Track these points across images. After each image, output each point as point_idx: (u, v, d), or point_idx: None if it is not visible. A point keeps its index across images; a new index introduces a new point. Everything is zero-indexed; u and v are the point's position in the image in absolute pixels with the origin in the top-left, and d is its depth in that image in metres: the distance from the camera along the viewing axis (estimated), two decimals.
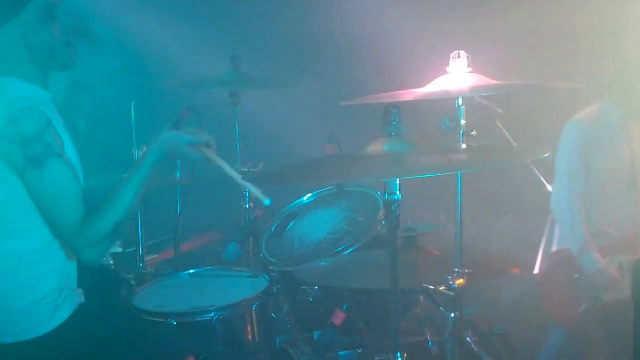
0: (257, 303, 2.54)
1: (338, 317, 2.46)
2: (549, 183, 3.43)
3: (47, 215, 2.03)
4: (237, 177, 2.09)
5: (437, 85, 2.15)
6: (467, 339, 2.47)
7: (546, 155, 2.03)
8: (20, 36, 2.06)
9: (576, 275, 3.15)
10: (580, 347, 3.14)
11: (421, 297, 2.66)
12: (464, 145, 2.08)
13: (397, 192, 1.83)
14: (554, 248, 3.37)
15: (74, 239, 2.03)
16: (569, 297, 3.19)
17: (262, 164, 3.34)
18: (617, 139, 3.18)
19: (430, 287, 2.07)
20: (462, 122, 2.09)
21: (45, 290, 2.08)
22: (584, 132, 3.21)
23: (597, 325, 3.02)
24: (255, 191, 2.07)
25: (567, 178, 3.18)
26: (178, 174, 3.31)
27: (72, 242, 2.05)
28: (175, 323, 2.40)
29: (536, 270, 3.44)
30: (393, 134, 1.89)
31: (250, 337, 2.53)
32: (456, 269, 2.06)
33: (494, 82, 2.15)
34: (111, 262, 3.16)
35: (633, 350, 2.34)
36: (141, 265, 3.09)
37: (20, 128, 1.92)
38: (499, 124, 2.79)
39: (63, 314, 2.12)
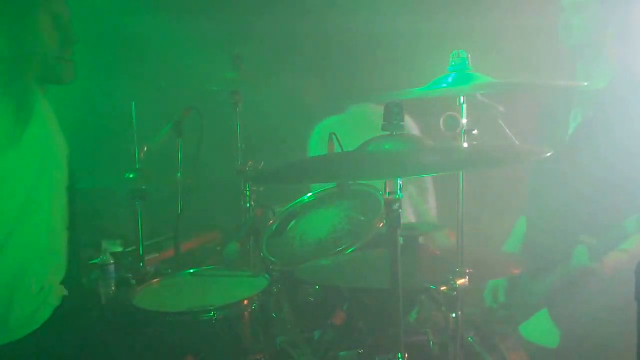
0: (257, 303, 2.53)
1: (339, 317, 2.45)
2: None
3: None
4: None
5: (438, 84, 2.14)
6: (469, 339, 2.46)
7: (549, 154, 2.02)
8: None
9: None
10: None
11: (422, 297, 2.64)
12: (465, 144, 2.07)
13: (399, 192, 1.82)
14: None
15: None
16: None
17: (262, 163, 3.33)
18: None
19: (432, 286, 2.06)
20: (464, 121, 2.08)
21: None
22: None
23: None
24: None
25: None
26: (179, 174, 3.30)
27: None
28: (174, 322, 2.39)
29: None
30: (394, 133, 1.89)
31: (250, 336, 2.52)
32: (457, 269, 2.06)
33: (495, 80, 2.14)
34: (111, 261, 3.15)
35: (637, 351, 2.32)
36: (141, 264, 3.09)
37: None
38: (501, 123, 2.76)
39: (47, 311, 2.14)
